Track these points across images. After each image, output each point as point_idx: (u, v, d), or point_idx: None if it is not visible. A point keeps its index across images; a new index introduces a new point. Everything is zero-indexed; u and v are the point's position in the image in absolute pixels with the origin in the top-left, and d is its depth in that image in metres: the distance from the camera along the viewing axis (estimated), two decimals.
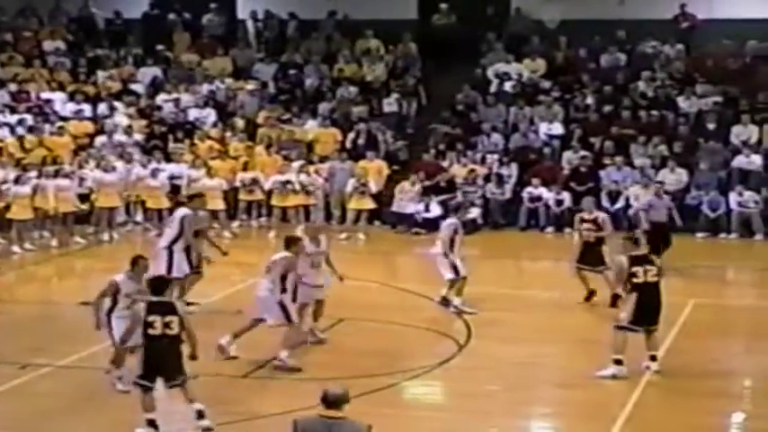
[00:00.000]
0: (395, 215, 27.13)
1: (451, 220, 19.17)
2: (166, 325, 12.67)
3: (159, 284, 13.15)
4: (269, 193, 26.87)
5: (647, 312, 15.27)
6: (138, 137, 29.04)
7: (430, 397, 15.51)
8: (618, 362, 15.26)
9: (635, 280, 15.19)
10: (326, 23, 33.39)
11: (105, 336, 16.68)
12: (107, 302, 14.40)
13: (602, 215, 19.86)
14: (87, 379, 15.31)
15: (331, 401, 9.38)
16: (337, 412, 9.36)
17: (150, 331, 12.68)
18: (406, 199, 26.79)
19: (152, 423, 12.86)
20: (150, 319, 12.68)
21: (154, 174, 26.57)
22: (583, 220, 19.58)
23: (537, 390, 15.48)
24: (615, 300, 17.18)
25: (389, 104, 30.38)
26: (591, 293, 19.08)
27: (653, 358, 15.47)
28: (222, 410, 13.66)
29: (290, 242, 16.01)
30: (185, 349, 12.98)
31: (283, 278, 15.62)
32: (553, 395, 15.35)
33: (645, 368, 15.34)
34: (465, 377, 15.80)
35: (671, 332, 17.38)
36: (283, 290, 15.63)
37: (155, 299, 12.91)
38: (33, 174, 25.31)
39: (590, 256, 19.18)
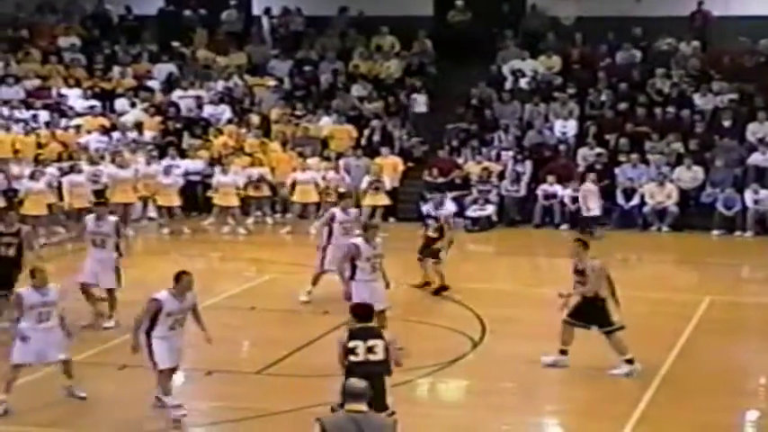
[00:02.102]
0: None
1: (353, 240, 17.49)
2: (370, 350, 11.75)
3: (365, 312, 12.12)
4: (291, 189, 26.76)
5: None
6: (150, 134, 29.03)
7: (443, 394, 15.52)
8: (629, 361, 15.25)
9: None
10: (339, 20, 33.37)
11: (118, 332, 16.84)
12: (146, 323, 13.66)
13: None
14: (102, 375, 15.33)
15: (355, 395, 9.21)
16: (362, 406, 9.18)
17: (352, 358, 11.70)
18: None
19: None
20: (352, 344, 11.73)
21: (166, 171, 26.58)
22: None
23: (550, 387, 15.46)
24: None
25: (418, 104, 30.23)
26: None
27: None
28: (234, 407, 13.68)
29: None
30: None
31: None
32: (566, 393, 15.33)
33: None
34: (478, 374, 15.80)
35: (686, 329, 17.35)
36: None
37: (358, 325, 11.97)
38: (48, 169, 25.38)
39: None
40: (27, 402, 14.43)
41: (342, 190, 26.09)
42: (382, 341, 11.76)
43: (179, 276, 13.67)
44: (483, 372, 15.87)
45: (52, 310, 13.96)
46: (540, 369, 15.78)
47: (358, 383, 9.31)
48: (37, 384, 14.91)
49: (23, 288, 14.17)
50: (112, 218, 18.24)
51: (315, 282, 18.82)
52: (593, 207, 25.82)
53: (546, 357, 15.63)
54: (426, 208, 25.49)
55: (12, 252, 17.21)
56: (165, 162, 27.16)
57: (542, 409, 14.82)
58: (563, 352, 15.55)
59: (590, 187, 25.94)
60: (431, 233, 20.29)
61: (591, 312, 15.28)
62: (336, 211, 19.25)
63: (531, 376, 15.46)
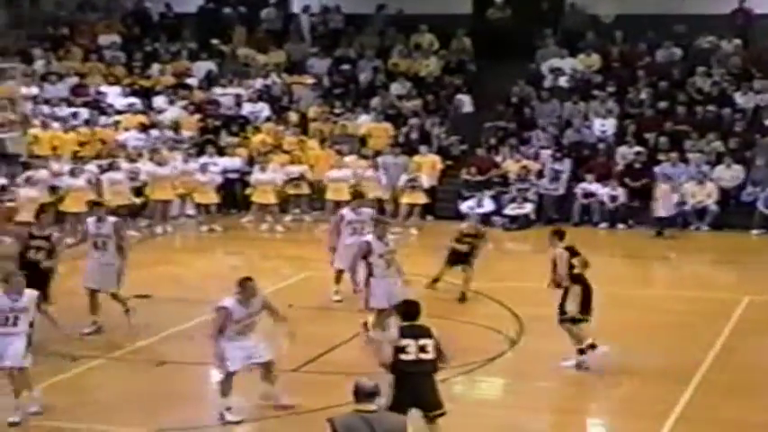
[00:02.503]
0: None
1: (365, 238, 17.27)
2: (422, 349, 11.61)
3: (412, 311, 11.95)
4: (322, 188, 26.84)
5: (588, 301, 15.51)
6: (188, 132, 29.12)
7: (481, 393, 15.47)
8: (582, 351, 15.37)
9: (575, 271, 15.37)
10: (379, 18, 33.36)
11: (156, 329, 16.91)
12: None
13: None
14: (138, 371, 15.39)
15: (365, 394, 9.24)
16: (372, 405, 9.21)
17: (403, 356, 11.56)
18: None
19: None
20: (403, 343, 11.59)
21: (203, 169, 26.66)
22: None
23: (588, 386, 15.39)
24: None
25: (464, 105, 30.15)
26: None
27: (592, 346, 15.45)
28: (270, 404, 13.69)
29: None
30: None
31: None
32: (604, 391, 15.27)
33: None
34: (516, 373, 15.76)
35: (725, 329, 17.24)
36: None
37: (406, 323, 11.82)
38: (88, 167, 25.52)
39: None
40: (63, 399, 14.52)
41: (376, 193, 26.21)
42: (432, 340, 11.65)
43: (242, 283, 13.55)
44: (521, 370, 15.83)
45: (20, 316, 13.48)
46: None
47: (368, 383, 9.30)
48: (73, 381, 15.01)
49: None
50: (112, 219, 17.70)
51: (337, 280, 18.73)
52: (667, 207, 25.63)
53: (566, 362, 15.52)
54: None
55: (41, 257, 16.54)
56: (203, 160, 27.24)
57: (580, 408, 14.75)
58: (582, 351, 15.46)
59: (664, 188, 25.74)
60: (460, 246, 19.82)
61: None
62: (346, 211, 19.16)
63: (570, 375, 15.39)
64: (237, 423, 13.40)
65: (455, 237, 19.87)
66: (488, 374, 15.70)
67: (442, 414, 11.77)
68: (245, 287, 13.49)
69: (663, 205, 25.67)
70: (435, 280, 19.69)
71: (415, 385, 11.56)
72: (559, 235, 15.83)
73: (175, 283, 21.09)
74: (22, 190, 23.88)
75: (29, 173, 24.71)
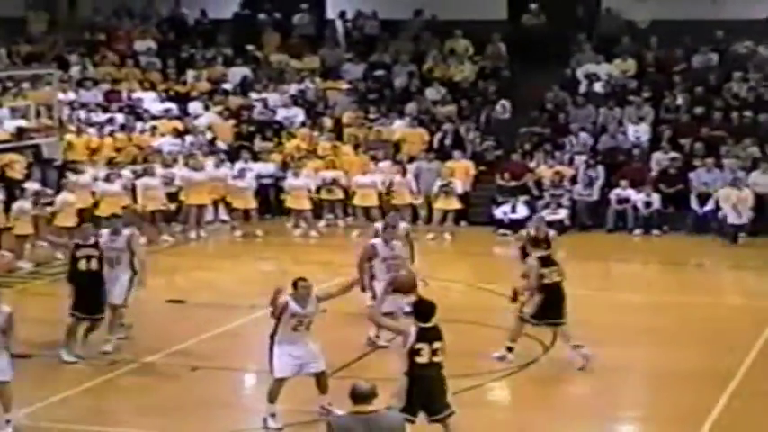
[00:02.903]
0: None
1: (372, 241, 17.23)
2: (434, 352, 11.75)
3: (426, 310, 11.97)
4: (353, 193, 26.85)
5: (551, 309, 15.84)
6: (222, 137, 29.22)
7: (514, 399, 15.43)
8: (510, 349, 15.92)
9: (544, 281, 15.79)
10: (414, 23, 33.38)
11: (190, 334, 16.97)
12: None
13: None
14: (172, 376, 15.44)
15: (361, 396, 9.32)
16: (369, 406, 9.28)
17: (418, 359, 11.69)
18: None
19: None
20: (418, 346, 11.70)
21: (241, 174, 26.74)
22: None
23: (623, 392, 15.36)
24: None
25: (500, 112, 30.09)
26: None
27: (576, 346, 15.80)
28: (305, 410, 13.70)
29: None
30: None
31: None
32: (639, 398, 15.23)
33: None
34: (550, 379, 15.71)
35: (762, 335, 17.14)
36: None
37: (423, 325, 11.81)
38: (123, 172, 25.65)
39: None
40: (98, 403, 14.62)
41: (405, 199, 26.21)
42: (442, 342, 11.78)
43: (295, 283, 13.59)
44: (555, 376, 15.79)
45: None
46: (612, 374, 15.67)
47: (363, 385, 9.39)
48: (108, 385, 15.08)
49: None
50: (127, 232, 17.04)
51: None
52: (744, 215, 25.52)
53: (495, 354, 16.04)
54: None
55: (94, 265, 16.05)
56: (239, 165, 27.32)
57: (615, 414, 14.69)
58: (510, 349, 16.01)
59: (742, 195, 25.64)
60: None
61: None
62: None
63: (604, 381, 15.35)
64: (279, 430, 13.39)
65: (522, 244, 18.37)
66: (522, 380, 15.65)
67: (451, 414, 11.86)
68: (297, 287, 13.53)
69: (738, 211, 25.48)
70: (514, 297, 17.69)
71: (427, 388, 11.71)
72: (535, 243, 16.40)
73: (209, 289, 21.15)
74: (60, 195, 24.00)
75: (72, 177, 24.79)
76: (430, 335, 11.76)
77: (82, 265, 16.05)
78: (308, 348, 13.65)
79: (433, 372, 11.73)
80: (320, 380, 13.72)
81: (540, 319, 15.98)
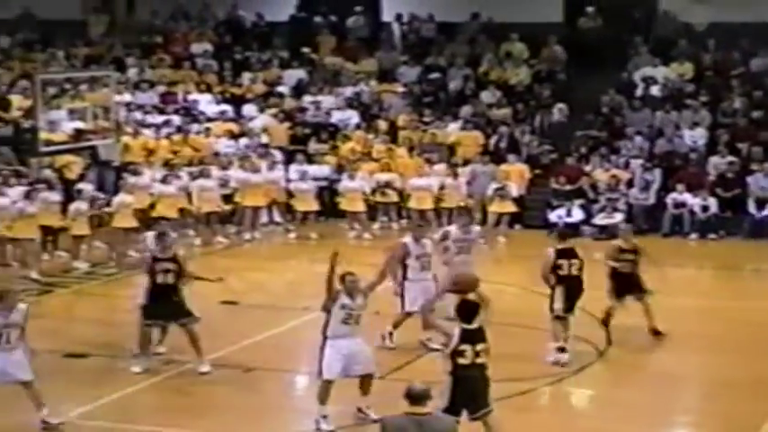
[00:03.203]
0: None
1: (403, 240, 17.33)
2: (477, 354, 11.76)
3: (469, 309, 11.96)
4: (408, 196, 26.86)
5: (570, 301, 16.20)
6: (277, 140, 29.32)
7: (568, 403, 15.37)
8: (562, 349, 16.01)
9: (560, 272, 16.19)
10: (470, 26, 33.33)
11: (244, 336, 17.03)
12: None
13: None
14: (226, 378, 15.50)
15: (416, 398, 9.35)
16: (423, 408, 9.30)
17: (461, 361, 11.72)
18: None
19: None
20: (461, 347, 11.73)
21: (302, 176, 26.84)
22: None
23: (677, 398, 15.22)
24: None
25: (556, 115, 29.96)
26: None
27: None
28: (352, 412, 13.71)
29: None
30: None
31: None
32: (694, 404, 15.11)
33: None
34: (603, 384, 15.64)
35: None
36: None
37: (466, 326, 11.82)
38: (179, 173, 25.80)
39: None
40: (152, 403, 14.70)
41: (456, 201, 26.22)
42: (486, 344, 11.79)
43: (343, 278, 13.66)
44: (608, 381, 15.70)
45: (12, 332, 13.42)
46: (666, 379, 15.56)
47: (419, 386, 9.42)
48: (162, 385, 15.17)
49: None
50: (173, 236, 16.91)
51: (396, 325, 17.16)
52: None
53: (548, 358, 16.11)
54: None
55: (171, 279, 15.63)
56: (296, 167, 27.45)
57: (669, 420, 14.58)
58: (562, 349, 16.10)
59: None
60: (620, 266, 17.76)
61: None
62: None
63: (658, 386, 15.24)
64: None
65: (611, 255, 17.78)
66: (576, 385, 15.59)
67: (489, 412, 11.88)
68: (344, 281, 13.61)
69: None
70: (606, 321, 17.72)
71: (470, 388, 11.74)
72: (560, 236, 16.99)
73: (263, 290, 21.24)
74: (118, 196, 24.18)
75: (131, 179, 24.99)
76: (473, 336, 11.77)
77: (159, 278, 15.64)
78: (360, 348, 13.69)
79: (477, 372, 11.75)
80: (365, 382, 13.73)
81: (568, 310, 16.24)
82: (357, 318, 13.67)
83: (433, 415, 9.37)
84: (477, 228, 18.45)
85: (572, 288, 16.25)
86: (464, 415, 11.74)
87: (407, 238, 17.02)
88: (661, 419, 14.44)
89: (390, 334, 16.73)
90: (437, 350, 15.99)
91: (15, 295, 13.89)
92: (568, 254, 16.39)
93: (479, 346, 11.74)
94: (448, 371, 11.76)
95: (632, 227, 18.79)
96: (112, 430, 13.64)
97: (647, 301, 17.51)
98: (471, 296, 12.27)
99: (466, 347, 11.70)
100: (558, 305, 16.18)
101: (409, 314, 16.42)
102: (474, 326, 11.82)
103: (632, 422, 14.12)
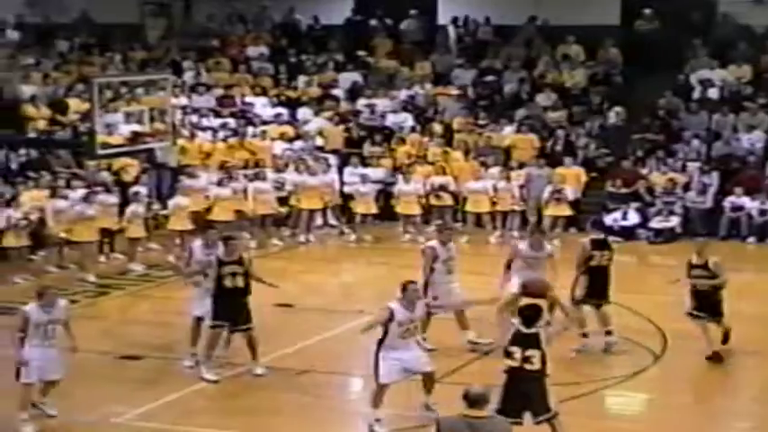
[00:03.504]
0: None
1: (430, 243, 17.34)
2: (526, 359, 11.76)
3: (531, 314, 11.95)
4: (464, 200, 26.84)
5: (597, 289, 16.69)
6: (332, 143, 29.37)
7: (623, 407, 15.27)
8: (585, 335, 16.54)
9: (592, 263, 16.71)
10: (527, 28, 33.22)
11: (298, 338, 17.05)
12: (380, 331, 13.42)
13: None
14: (280, 380, 15.52)
15: (473, 401, 9.34)
16: (480, 412, 9.29)
17: (509, 362, 11.82)
18: None
19: None
20: (511, 349, 11.81)
21: (363, 179, 26.89)
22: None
23: (733, 404, 15.11)
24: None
25: (613, 118, 29.80)
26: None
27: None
28: (414, 415, 13.68)
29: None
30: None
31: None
32: (751, 410, 14.94)
33: None
34: (659, 388, 15.52)
35: None
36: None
37: (522, 330, 11.86)
38: (235, 176, 25.91)
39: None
40: (208, 405, 14.75)
41: (508, 204, 26.18)
42: (539, 352, 11.72)
43: (405, 286, 13.51)
44: (665, 386, 15.58)
45: (56, 328, 13.67)
46: (722, 385, 15.43)
47: (478, 389, 9.43)
48: (218, 387, 15.22)
49: (30, 306, 13.68)
50: (239, 238, 16.78)
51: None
52: None
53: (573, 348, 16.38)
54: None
55: (240, 282, 15.39)
56: (352, 170, 27.52)
57: (726, 426, 14.46)
58: (585, 335, 16.65)
59: None
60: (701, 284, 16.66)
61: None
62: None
63: (714, 392, 15.12)
64: None
65: (688, 271, 16.80)
66: (631, 389, 15.50)
67: (550, 418, 11.81)
68: (407, 290, 13.48)
69: None
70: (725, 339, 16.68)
71: (520, 390, 11.73)
72: (594, 225, 18.41)
73: (317, 293, 21.27)
74: (174, 198, 24.33)
75: (187, 182, 25.15)
76: (525, 340, 11.75)
77: (227, 281, 15.41)
78: (415, 353, 13.64)
79: (526, 375, 11.71)
80: (426, 381, 13.69)
81: (588, 298, 16.72)
82: (415, 330, 13.64)
83: (490, 418, 9.33)
84: (548, 247, 17.58)
85: (598, 278, 16.72)
86: (528, 419, 11.75)
87: (434, 242, 17.01)
88: (717, 425, 14.32)
89: (423, 339, 16.57)
90: (487, 344, 16.04)
91: (55, 291, 14.05)
92: (601, 245, 16.91)
93: (529, 352, 11.69)
94: (503, 371, 11.82)
95: (704, 239, 17.64)
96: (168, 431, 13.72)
97: (723, 322, 16.55)
98: (540, 301, 12.28)
99: (515, 349, 11.73)
100: (580, 292, 16.56)
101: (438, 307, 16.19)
102: (530, 330, 11.78)
103: (684, 427, 14.02)
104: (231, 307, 15.41)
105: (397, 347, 13.39)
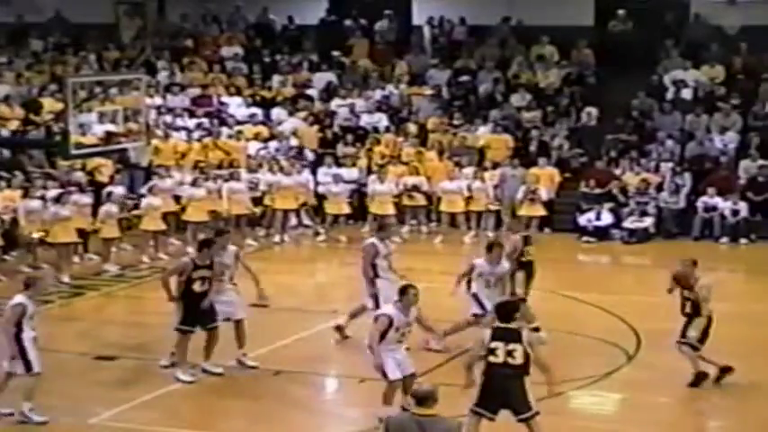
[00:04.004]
0: None
1: (369, 241, 17.65)
2: (509, 354, 11.83)
3: (507, 309, 12.21)
4: (438, 199, 26.89)
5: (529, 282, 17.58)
6: (307, 143, 29.36)
7: (597, 407, 15.31)
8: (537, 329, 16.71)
9: (524, 258, 17.50)
10: (501, 29, 33.29)
11: (273, 339, 17.04)
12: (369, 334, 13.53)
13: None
14: (256, 380, 15.53)
15: (421, 399, 9.39)
16: (428, 410, 9.34)
17: (491, 359, 11.87)
18: None
19: None
20: (493, 345, 11.86)
21: (335, 179, 26.90)
22: None
23: (708, 402, 15.15)
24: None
25: (586, 118, 29.89)
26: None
27: None
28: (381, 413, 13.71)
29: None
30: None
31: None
32: (726, 408, 15.01)
33: None
34: (633, 388, 15.56)
35: None
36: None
37: (501, 325, 12.03)
38: (209, 176, 25.86)
39: None
40: (182, 406, 14.73)
41: (483, 204, 26.27)
42: (521, 346, 11.81)
43: (405, 290, 13.50)
44: (638, 386, 15.63)
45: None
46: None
47: (426, 388, 9.50)
48: (192, 389, 15.21)
49: (21, 297, 13.69)
50: (233, 248, 16.74)
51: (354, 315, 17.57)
52: None
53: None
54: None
55: (206, 287, 15.49)
56: (325, 170, 27.51)
57: (700, 425, 14.54)
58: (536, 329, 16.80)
59: None
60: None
61: None
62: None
63: (689, 391, 15.16)
64: None
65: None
66: (605, 389, 15.54)
67: (531, 416, 11.87)
68: (407, 294, 13.44)
69: None
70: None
71: (502, 388, 11.83)
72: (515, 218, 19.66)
73: (292, 293, 21.26)
74: (146, 199, 24.30)
75: (153, 182, 25.15)
76: (506, 335, 11.85)
77: (197, 286, 15.45)
78: (404, 355, 13.73)
79: (509, 372, 11.77)
80: (409, 381, 13.73)
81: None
82: (408, 333, 13.66)
83: (437, 417, 9.39)
84: (506, 264, 17.22)
85: (531, 272, 17.73)
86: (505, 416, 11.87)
87: (374, 239, 17.25)
88: (692, 425, 14.39)
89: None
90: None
91: (43, 282, 14.32)
92: (528, 240, 17.95)
93: (512, 346, 11.77)
94: (482, 370, 11.88)
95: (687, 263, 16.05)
96: None
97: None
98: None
99: (498, 345, 11.81)
100: (520, 290, 17.14)
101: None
102: (510, 325, 11.93)
103: (659, 426, 14.08)
104: (202, 311, 15.43)
105: (393, 350, 13.45)
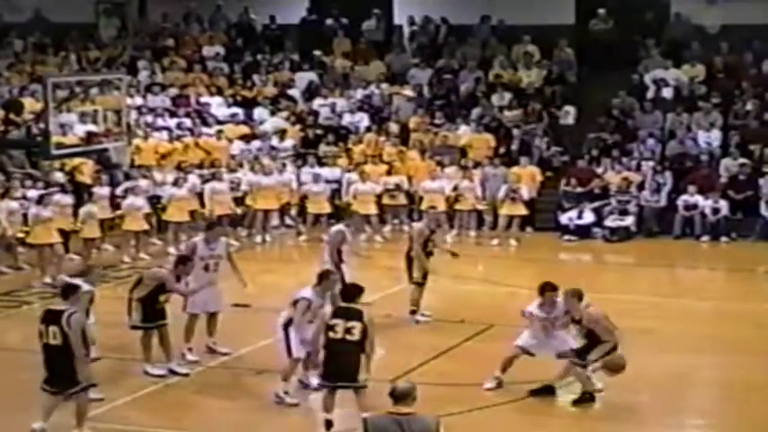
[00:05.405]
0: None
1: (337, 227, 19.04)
2: (348, 330, 12.77)
3: (350, 292, 13.31)
4: (420, 199, 26.89)
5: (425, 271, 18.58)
6: (290, 142, 29.34)
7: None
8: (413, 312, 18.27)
9: (428, 249, 18.54)
10: (481, 29, 33.31)
11: (256, 338, 17.04)
12: (285, 315, 14.29)
13: None
14: (238, 379, 15.52)
15: (399, 397, 9.41)
16: (406, 408, 9.35)
17: (331, 334, 12.85)
18: None
19: (329, 424, 13.20)
20: (333, 322, 12.86)
21: (316, 178, 26.88)
22: None
23: (689, 401, 15.20)
24: None
25: (567, 117, 29.95)
26: None
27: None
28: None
29: None
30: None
31: None
32: (707, 407, 15.05)
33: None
34: (615, 386, 15.56)
35: None
36: None
37: (343, 304, 13.14)
38: (190, 176, 25.82)
39: None
40: (165, 406, 14.70)
41: (471, 203, 26.30)
42: (361, 324, 12.72)
43: (326, 274, 14.39)
44: (619, 384, 15.63)
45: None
46: (678, 382, 15.50)
47: (404, 385, 9.52)
48: (174, 388, 15.18)
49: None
50: (224, 239, 17.05)
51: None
52: None
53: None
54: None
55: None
56: (306, 170, 27.51)
57: (681, 424, 14.55)
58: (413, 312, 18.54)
59: None
60: None
61: None
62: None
63: (670, 390, 15.19)
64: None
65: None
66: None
67: (360, 387, 12.82)
68: (326, 279, 14.29)
69: None
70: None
71: (340, 361, 12.85)
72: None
73: (274, 293, 21.15)
74: (127, 200, 24.24)
75: (130, 183, 25.10)
76: (347, 313, 12.83)
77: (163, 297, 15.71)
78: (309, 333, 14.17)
79: (347, 348, 12.74)
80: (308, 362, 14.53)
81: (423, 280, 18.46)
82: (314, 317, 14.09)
83: (415, 415, 9.37)
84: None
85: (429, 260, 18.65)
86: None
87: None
88: (673, 422, 14.41)
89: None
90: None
91: (98, 271, 15.33)
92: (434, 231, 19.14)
93: (351, 323, 12.73)
94: (323, 344, 12.95)
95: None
96: None
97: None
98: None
99: (337, 322, 12.80)
100: (417, 274, 18.39)
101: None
102: (351, 305, 12.94)
103: (641, 425, 14.09)
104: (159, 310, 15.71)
105: (301, 330, 14.08)
